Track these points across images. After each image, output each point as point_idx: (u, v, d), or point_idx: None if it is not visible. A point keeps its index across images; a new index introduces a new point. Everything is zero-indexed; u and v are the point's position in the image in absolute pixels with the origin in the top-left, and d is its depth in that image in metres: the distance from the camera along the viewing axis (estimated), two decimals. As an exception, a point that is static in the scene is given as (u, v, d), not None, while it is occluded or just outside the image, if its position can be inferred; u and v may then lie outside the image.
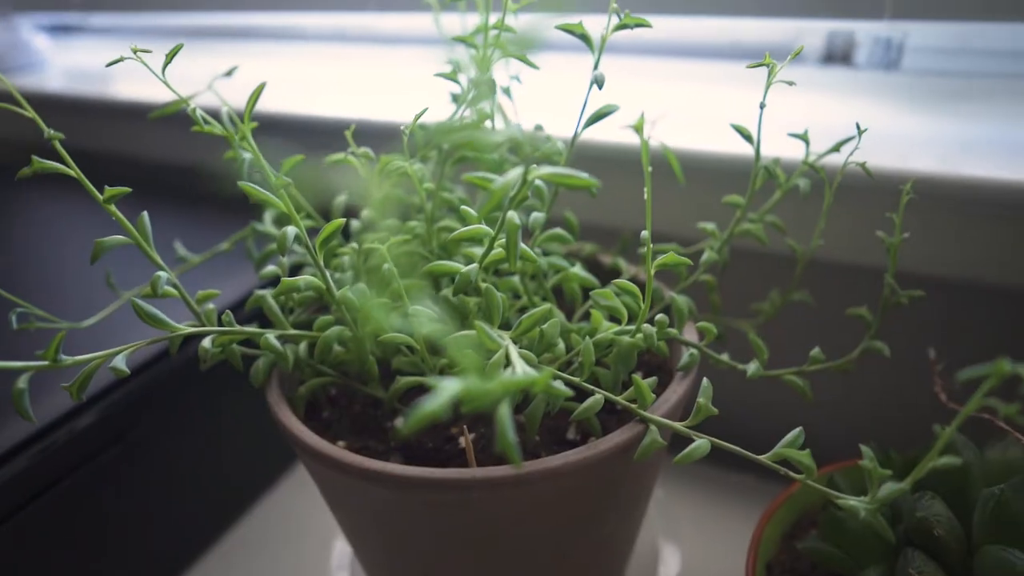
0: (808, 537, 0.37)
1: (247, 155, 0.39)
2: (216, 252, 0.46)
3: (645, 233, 0.30)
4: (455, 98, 0.46)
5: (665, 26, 0.57)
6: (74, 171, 0.31)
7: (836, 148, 0.38)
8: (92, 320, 0.41)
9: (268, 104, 0.64)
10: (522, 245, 0.31)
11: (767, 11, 0.55)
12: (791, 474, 0.29)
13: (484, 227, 0.31)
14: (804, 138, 0.38)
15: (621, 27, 0.35)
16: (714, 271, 0.41)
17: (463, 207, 0.33)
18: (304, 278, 0.32)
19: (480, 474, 0.29)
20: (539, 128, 0.46)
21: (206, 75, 0.42)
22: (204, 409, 0.50)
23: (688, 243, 0.40)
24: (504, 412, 0.22)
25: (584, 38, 0.37)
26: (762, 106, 0.36)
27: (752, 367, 0.35)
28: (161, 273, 0.34)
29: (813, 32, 0.56)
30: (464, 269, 0.33)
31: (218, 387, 0.50)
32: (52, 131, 0.30)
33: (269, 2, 0.75)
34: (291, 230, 0.30)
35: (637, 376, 0.31)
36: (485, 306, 0.33)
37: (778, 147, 0.39)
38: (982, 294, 0.45)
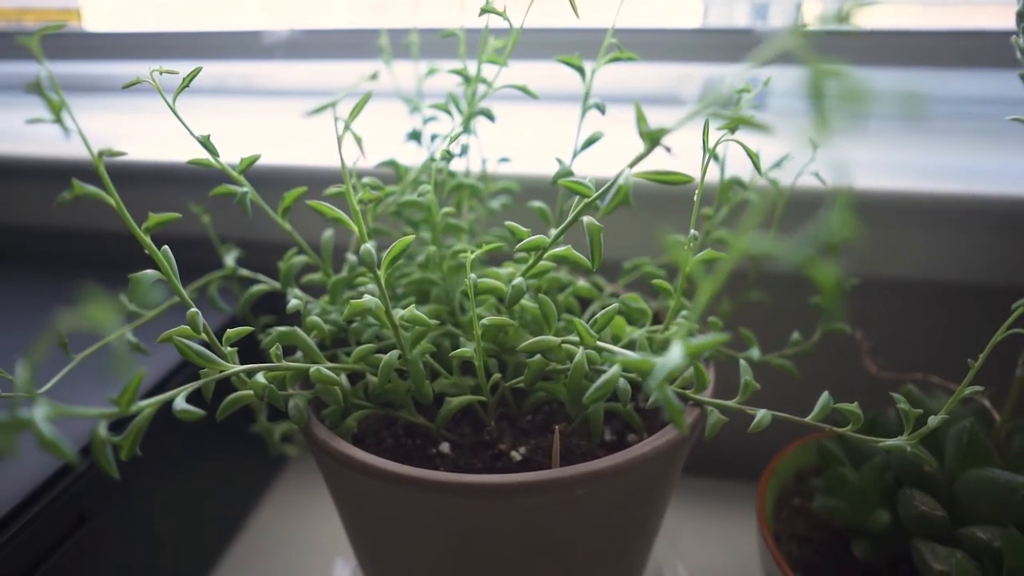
0: (815, 498, 0.41)
1: (244, 189, 0.37)
2: (173, 304, 0.42)
3: (693, 232, 0.34)
4: (413, 135, 0.47)
5: (547, 73, 0.62)
6: (114, 198, 0.28)
7: (779, 164, 0.45)
8: (48, 385, 0.36)
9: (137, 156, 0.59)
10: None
11: (655, 57, 0.63)
12: (834, 429, 0.34)
13: (543, 236, 0.33)
14: (753, 155, 0.44)
15: (615, 60, 0.39)
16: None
17: (508, 223, 0.34)
18: (372, 298, 0.31)
19: (583, 469, 0.30)
20: (504, 160, 0.48)
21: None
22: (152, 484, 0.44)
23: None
24: (665, 385, 0.24)
25: (579, 69, 0.40)
26: (732, 129, 0.41)
27: (755, 352, 0.40)
28: (195, 310, 0.31)
29: (691, 79, 0.65)
30: (515, 282, 0.34)
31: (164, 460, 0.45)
32: (97, 149, 0.27)
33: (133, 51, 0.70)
34: (367, 246, 0.29)
35: (698, 363, 0.34)
36: (541, 313, 0.34)
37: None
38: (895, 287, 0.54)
